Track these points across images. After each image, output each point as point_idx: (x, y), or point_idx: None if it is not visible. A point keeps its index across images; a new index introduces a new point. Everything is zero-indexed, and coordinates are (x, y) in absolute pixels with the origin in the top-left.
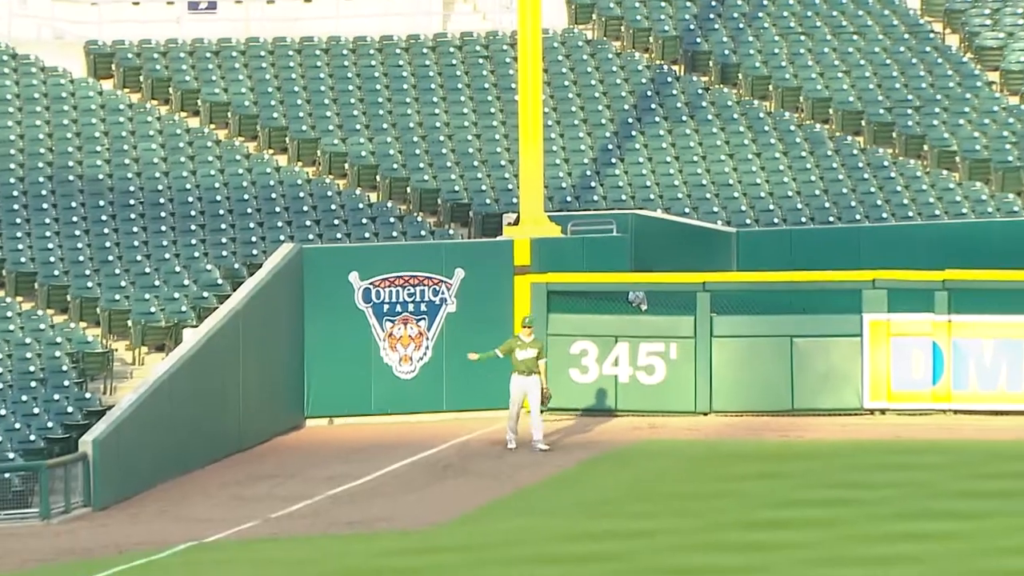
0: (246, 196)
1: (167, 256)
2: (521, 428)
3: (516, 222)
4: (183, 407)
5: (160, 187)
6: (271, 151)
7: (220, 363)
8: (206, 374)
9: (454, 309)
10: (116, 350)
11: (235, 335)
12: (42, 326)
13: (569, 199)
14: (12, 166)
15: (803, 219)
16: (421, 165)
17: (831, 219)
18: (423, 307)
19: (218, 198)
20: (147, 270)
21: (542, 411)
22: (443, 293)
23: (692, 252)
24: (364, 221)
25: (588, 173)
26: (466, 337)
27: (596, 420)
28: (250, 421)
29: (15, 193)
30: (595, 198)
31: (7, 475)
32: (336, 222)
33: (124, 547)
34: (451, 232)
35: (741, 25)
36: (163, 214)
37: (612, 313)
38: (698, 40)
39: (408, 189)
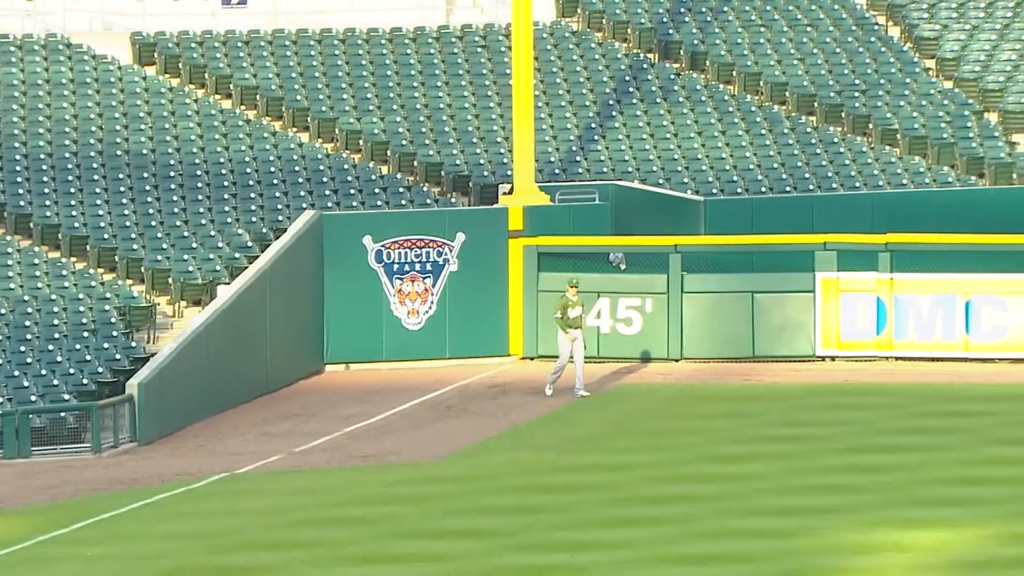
0: (272, 169)
1: (203, 222)
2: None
3: (510, 192)
4: (217, 355)
5: (197, 161)
6: (295, 129)
7: (249, 316)
8: (237, 326)
9: (455, 268)
10: (158, 304)
11: (263, 291)
12: (93, 283)
13: (557, 171)
14: (67, 142)
15: (763, 189)
16: (427, 141)
17: (788, 189)
18: (428, 266)
19: (248, 171)
20: (185, 234)
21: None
22: (446, 254)
23: (665, 218)
24: (376, 191)
25: (574, 148)
26: (466, 293)
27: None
28: (276, 367)
29: (69, 167)
30: (580, 170)
31: (63, 414)
32: (352, 192)
33: (166, 477)
34: (453, 200)
35: (709, 18)
36: (199, 185)
37: (595, 272)
38: (671, 31)
39: (415, 163)
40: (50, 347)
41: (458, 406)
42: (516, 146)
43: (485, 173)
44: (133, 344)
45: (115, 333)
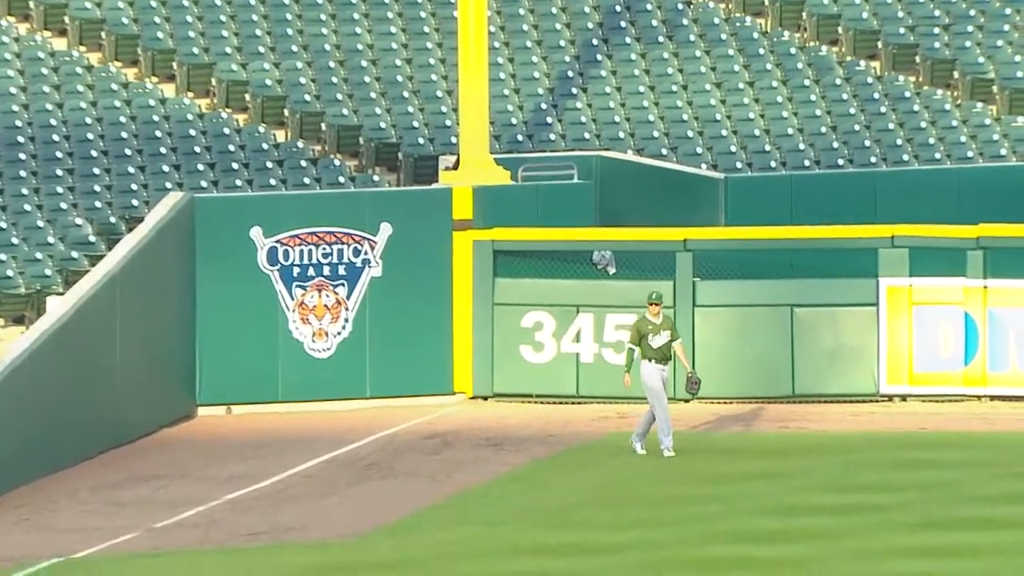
0: (124, 134)
1: (26, 207)
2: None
3: (455, 166)
4: (47, 392)
5: (18, 123)
6: (155, 79)
7: (93, 339)
8: (75, 353)
9: (379, 273)
10: None
11: (111, 305)
12: None
13: (520, 138)
14: None
15: (806, 162)
16: (338, 96)
17: (840, 162)
18: (341, 270)
19: (89, 136)
20: (2, 225)
21: (692, 399)
22: (366, 253)
23: (670, 203)
24: (269, 165)
25: (543, 106)
26: (394, 307)
27: (553, 408)
28: (130, 409)
29: None
30: (552, 137)
31: None
32: (235, 166)
33: None
34: (376, 178)
35: None
36: (22, 156)
37: (573, 278)
38: None
39: (323, 126)
40: None
41: (383, 464)
42: (463, 104)
43: (420, 141)
44: None
45: None
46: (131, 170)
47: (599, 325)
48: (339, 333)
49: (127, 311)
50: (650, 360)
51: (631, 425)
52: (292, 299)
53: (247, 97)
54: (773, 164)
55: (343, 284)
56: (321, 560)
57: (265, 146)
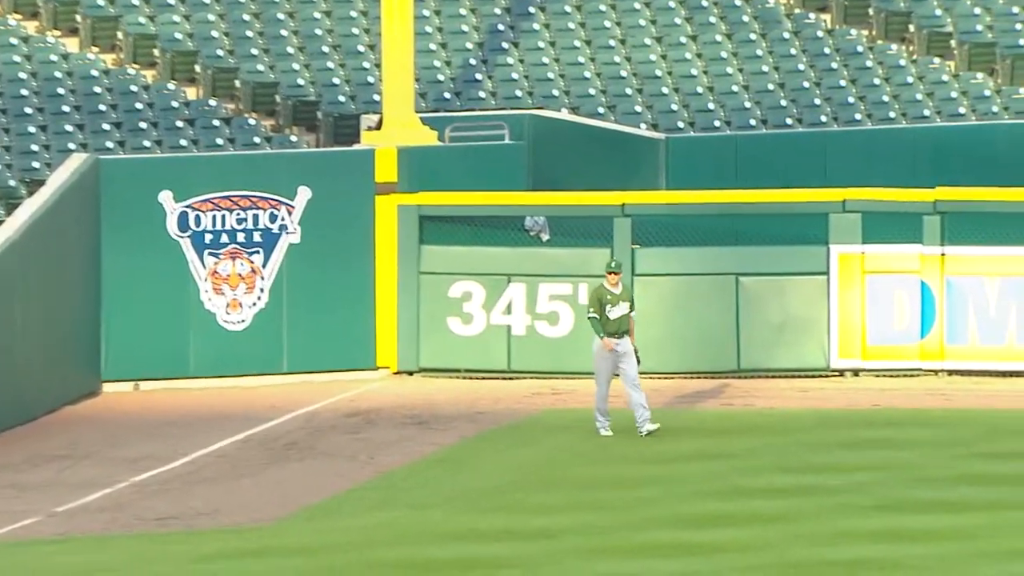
0: (23, 91)
1: None
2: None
3: (378, 126)
4: None
5: None
6: (57, 33)
7: None
8: None
9: (297, 239)
10: None
11: (10, 274)
12: None
13: (448, 96)
14: None
15: (752, 122)
16: (253, 51)
17: (788, 121)
18: (257, 237)
19: None
20: None
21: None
22: (283, 219)
23: (608, 165)
24: (179, 124)
25: (473, 62)
26: (313, 277)
27: (483, 384)
28: (30, 386)
29: None
30: (481, 94)
31: None
32: (143, 125)
33: None
34: (293, 139)
35: None
36: None
37: (504, 245)
38: None
39: (237, 83)
40: None
41: (302, 444)
42: (386, 59)
43: (340, 98)
44: None
45: None
46: (31, 130)
47: (531, 295)
48: (254, 304)
49: (27, 280)
50: (607, 334)
51: (565, 402)
52: (204, 268)
53: (156, 52)
54: (717, 123)
55: (258, 252)
56: (235, 546)
57: (175, 104)
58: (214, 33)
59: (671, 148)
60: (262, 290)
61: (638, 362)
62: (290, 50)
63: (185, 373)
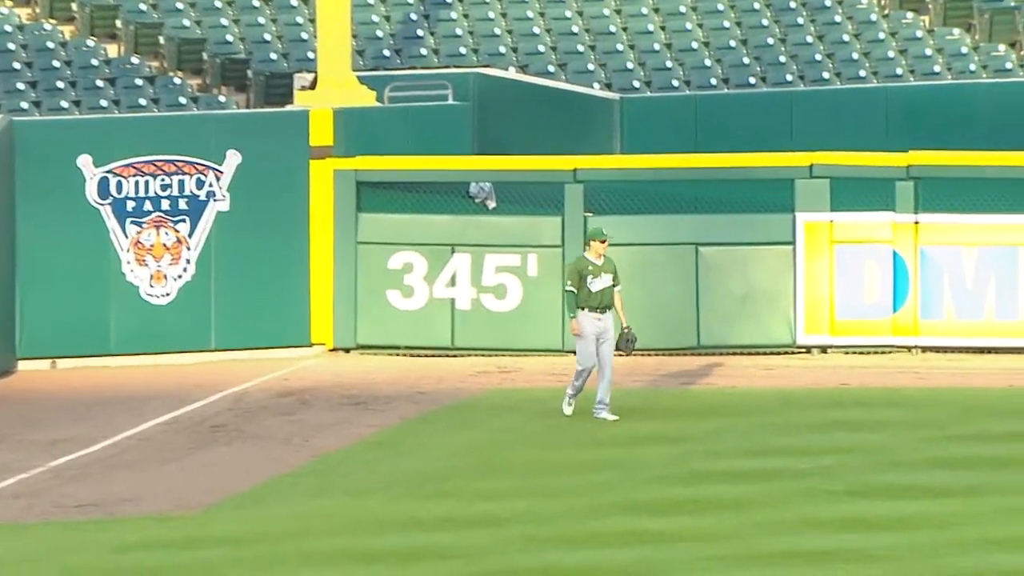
0: None
1: None
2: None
3: (312, 85)
4: None
5: None
6: None
7: None
8: None
9: (226, 207)
10: None
11: None
12: None
13: (387, 53)
14: None
15: (712, 81)
16: (179, 6)
17: (751, 81)
18: (183, 204)
19: None
20: None
21: (628, 352)
22: (211, 185)
23: (559, 127)
24: (99, 84)
25: (414, 17)
26: (243, 247)
27: (425, 362)
28: None
29: None
30: (423, 52)
31: None
32: (60, 85)
33: None
34: (222, 99)
35: None
36: None
37: (447, 213)
38: None
39: (161, 39)
40: None
41: (231, 426)
42: (321, 14)
43: (272, 56)
44: None
45: None
46: None
47: (477, 267)
48: (180, 276)
49: None
50: (583, 308)
51: (513, 381)
52: (126, 237)
53: (74, 6)
54: (675, 83)
55: (184, 220)
56: (158, 535)
57: (95, 62)
58: None
59: (626, 109)
60: (188, 261)
61: (635, 340)
62: (218, 4)
63: (106, 350)
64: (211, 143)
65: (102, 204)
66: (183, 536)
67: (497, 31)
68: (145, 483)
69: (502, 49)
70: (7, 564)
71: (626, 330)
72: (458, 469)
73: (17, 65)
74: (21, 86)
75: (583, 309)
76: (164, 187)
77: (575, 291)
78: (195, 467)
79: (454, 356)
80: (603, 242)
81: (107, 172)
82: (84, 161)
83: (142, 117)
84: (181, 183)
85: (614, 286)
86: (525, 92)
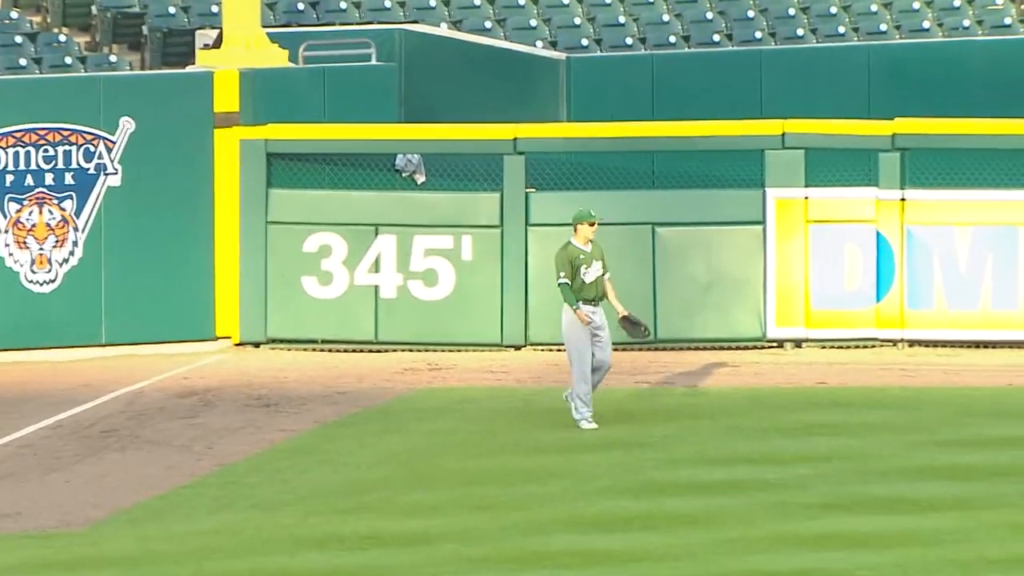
0: None
1: None
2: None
3: (216, 44)
4: None
5: None
6: None
7: None
8: None
9: (119, 182)
10: None
11: None
12: None
13: (301, 7)
14: None
15: (671, 39)
16: None
17: (715, 38)
18: (68, 179)
19: None
20: None
21: (648, 335)
22: (100, 156)
23: (497, 91)
24: None
25: None
26: (138, 227)
27: (344, 358)
28: None
29: None
30: (343, 5)
31: None
32: None
33: None
34: (113, 59)
35: None
36: None
37: (370, 188)
38: None
39: None
40: None
41: (124, 431)
42: None
43: (170, 10)
44: None
45: None
46: None
47: (404, 250)
48: (66, 260)
49: None
50: (582, 301)
51: (445, 379)
52: (4, 217)
53: None
54: (629, 41)
55: (71, 197)
56: (41, 555)
57: None
58: None
59: (573, 71)
60: (75, 243)
61: (647, 331)
62: None
63: None
64: (101, 109)
65: None
66: (69, 556)
67: None
68: (26, 496)
69: (432, 2)
70: None
71: (631, 316)
72: (382, 480)
73: None
74: None
75: (574, 302)
76: (48, 159)
77: (569, 283)
78: (83, 478)
79: (378, 351)
80: (592, 225)
81: None
82: None
83: (22, 79)
84: (67, 154)
85: (604, 274)
86: (459, 51)
